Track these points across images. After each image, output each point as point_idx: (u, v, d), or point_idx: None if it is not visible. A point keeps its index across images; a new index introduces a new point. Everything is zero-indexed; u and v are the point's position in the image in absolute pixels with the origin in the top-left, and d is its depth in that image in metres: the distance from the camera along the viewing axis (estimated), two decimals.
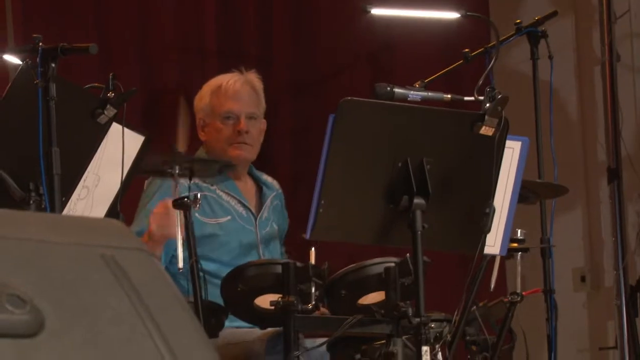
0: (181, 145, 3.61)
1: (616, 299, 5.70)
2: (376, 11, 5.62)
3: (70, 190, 3.19)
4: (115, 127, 3.21)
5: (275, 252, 4.05)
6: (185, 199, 3.37)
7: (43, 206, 3.08)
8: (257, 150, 4.06)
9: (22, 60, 3.13)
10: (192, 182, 3.48)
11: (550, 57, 4.34)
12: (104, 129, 3.19)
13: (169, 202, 3.45)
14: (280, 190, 4.20)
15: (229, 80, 4.06)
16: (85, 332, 1.53)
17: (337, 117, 3.11)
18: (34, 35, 3.12)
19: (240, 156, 4.00)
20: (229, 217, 3.99)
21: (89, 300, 1.58)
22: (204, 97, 4.08)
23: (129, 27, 5.47)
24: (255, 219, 4.04)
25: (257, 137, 4.04)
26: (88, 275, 1.59)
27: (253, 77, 4.11)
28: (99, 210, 3.25)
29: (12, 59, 3.40)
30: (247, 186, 4.11)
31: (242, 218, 4.01)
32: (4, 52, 3.56)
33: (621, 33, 5.90)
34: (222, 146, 3.97)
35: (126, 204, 3.35)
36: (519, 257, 3.85)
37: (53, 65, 3.05)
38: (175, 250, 3.42)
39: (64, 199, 3.12)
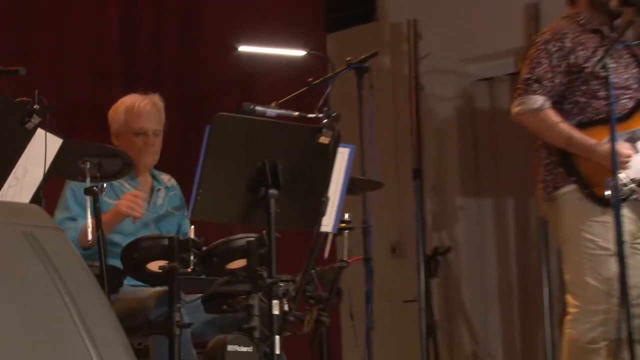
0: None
1: (417, 264, 5.84)
2: (243, 48, 5.62)
3: (3, 179, 3.11)
4: (40, 132, 3.14)
5: (164, 230, 4.02)
6: (95, 188, 3.35)
7: None
8: (158, 157, 4.10)
9: None
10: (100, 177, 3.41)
11: (372, 86, 4.40)
12: (30, 133, 3.12)
13: (139, 193, 3.63)
14: (174, 183, 4.19)
15: (140, 102, 4.07)
16: (6, 292, 1.49)
17: (213, 127, 3.10)
18: None
19: (148, 163, 4.07)
20: None
21: (11, 267, 1.54)
22: (119, 113, 4.07)
23: (49, 50, 5.35)
24: (149, 205, 4.02)
25: (159, 147, 4.08)
26: (11, 247, 1.55)
27: (158, 99, 4.12)
28: (26, 195, 3.17)
29: None
30: (144, 179, 4.12)
31: None
32: None
33: (425, 69, 6.01)
34: (135, 154, 3.93)
35: (47, 190, 3.27)
36: (346, 234, 3.89)
37: None
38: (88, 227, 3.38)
39: None
